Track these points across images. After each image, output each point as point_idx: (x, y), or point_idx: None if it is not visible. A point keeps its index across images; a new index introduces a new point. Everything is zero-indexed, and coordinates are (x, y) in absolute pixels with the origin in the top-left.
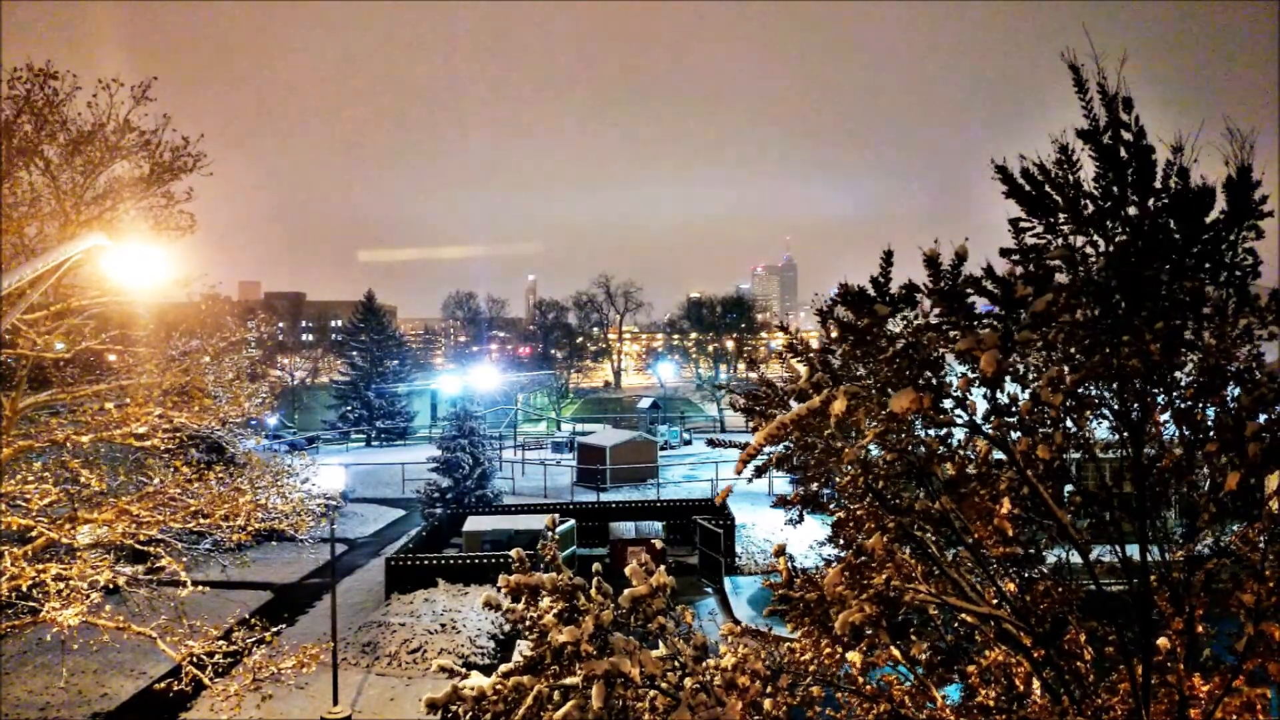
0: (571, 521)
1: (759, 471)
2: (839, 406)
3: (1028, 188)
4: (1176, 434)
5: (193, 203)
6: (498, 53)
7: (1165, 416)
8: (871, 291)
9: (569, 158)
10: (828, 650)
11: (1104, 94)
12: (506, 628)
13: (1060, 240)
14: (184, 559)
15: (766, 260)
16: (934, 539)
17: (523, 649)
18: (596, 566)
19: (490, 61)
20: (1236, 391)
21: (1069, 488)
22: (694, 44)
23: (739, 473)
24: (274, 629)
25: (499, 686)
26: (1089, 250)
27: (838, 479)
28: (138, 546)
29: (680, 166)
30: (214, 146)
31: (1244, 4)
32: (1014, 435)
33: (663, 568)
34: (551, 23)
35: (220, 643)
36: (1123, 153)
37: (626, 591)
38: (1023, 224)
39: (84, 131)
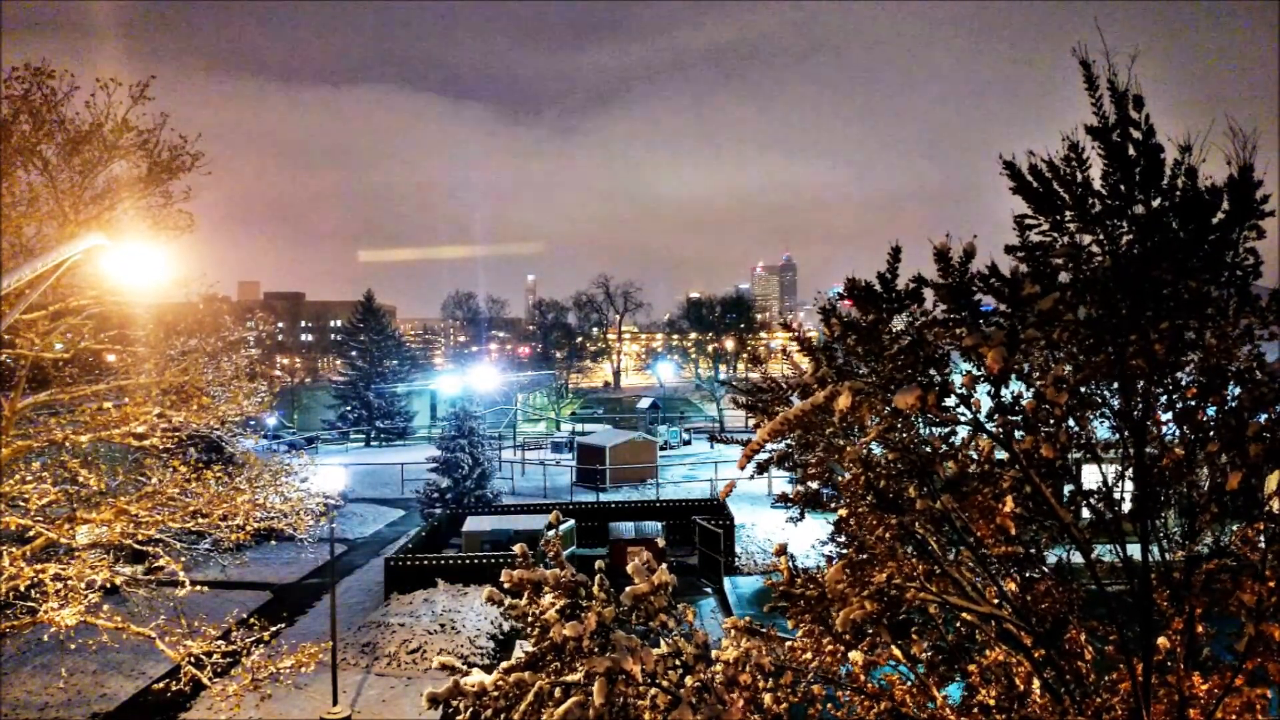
0: (571, 522)
1: (761, 468)
2: (844, 402)
3: (1035, 184)
4: (1177, 434)
5: (191, 202)
6: (499, 49)
7: (1166, 416)
8: (878, 287)
9: (569, 157)
10: (829, 649)
11: (1114, 91)
12: (506, 628)
13: (1066, 238)
14: (183, 559)
15: (766, 260)
16: (935, 538)
17: (523, 648)
18: (599, 564)
19: (491, 58)
20: (1237, 391)
21: (1069, 487)
22: (696, 42)
23: (742, 467)
24: (273, 629)
25: (500, 682)
26: (1094, 249)
27: (840, 478)
28: (136, 546)
29: (682, 166)
30: (213, 145)
31: (1247, 2)
32: (1018, 434)
33: (664, 566)
34: (553, 21)
35: (219, 643)
36: (1131, 151)
37: (628, 589)
38: (1028, 221)
39: (82, 131)
